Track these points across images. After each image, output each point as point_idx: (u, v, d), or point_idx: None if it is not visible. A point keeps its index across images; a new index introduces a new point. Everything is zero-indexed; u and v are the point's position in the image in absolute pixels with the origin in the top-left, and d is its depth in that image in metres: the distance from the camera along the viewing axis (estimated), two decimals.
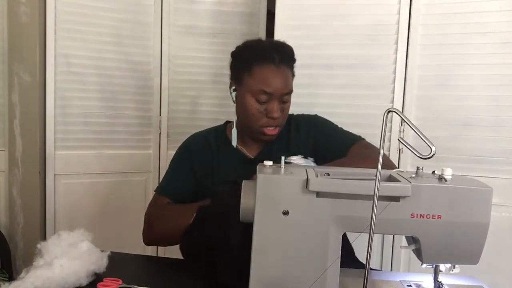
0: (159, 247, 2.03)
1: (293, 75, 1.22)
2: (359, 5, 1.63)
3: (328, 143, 1.23)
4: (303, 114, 1.33)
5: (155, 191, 1.29)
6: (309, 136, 1.26)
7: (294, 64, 1.22)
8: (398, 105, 1.62)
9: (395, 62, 1.61)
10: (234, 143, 1.23)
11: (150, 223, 1.23)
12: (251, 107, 1.16)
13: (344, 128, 1.66)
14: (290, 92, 1.18)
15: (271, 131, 1.18)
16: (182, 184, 1.25)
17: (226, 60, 1.94)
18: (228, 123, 1.34)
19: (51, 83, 1.78)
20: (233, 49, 1.92)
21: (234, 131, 1.23)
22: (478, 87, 1.56)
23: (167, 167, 1.94)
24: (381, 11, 1.62)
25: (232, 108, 1.95)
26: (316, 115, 1.32)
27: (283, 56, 1.17)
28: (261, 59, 1.15)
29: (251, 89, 1.15)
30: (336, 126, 1.31)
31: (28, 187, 1.81)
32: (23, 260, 1.84)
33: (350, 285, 0.87)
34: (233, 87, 1.22)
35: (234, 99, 1.23)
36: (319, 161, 1.12)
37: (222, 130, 1.32)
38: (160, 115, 1.98)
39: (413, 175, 0.83)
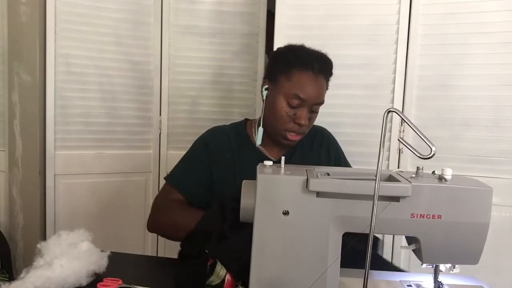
0: (159, 248, 2.03)
1: (327, 88, 1.23)
2: (359, 5, 1.63)
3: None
4: (325, 129, 1.37)
5: (165, 179, 1.28)
6: (329, 153, 1.31)
7: (330, 78, 1.23)
8: (398, 105, 1.62)
9: (395, 62, 1.61)
10: (259, 141, 1.23)
11: (158, 213, 1.22)
12: (281, 109, 1.16)
13: (344, 128, 1.69)
14: (321, 102, 1.20)
15: (294, 136, 1.19)
16: (196, 181, 1.24)
17: (226, 60, 1.96)
18: (247, 121, 1.34)
19: (51, 83, 1.77)
20: (234, 48, 1.95)
21: (260, 130, 1.22)
22: (478, 87, 1.56)
23: (167, 166, 1.98)
24: (381, 11, 1.61)
25: (232, 108, 1.97)
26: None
27: (323, 66, 1.19)
28: (302, 64, 1.16)
29: (286, 91, 1.16)
30: (345, 155, 1.38)
31: (28, 187, 1.81)
32: (23, 260, 1.84)
33: (350, 285, 0.87)
34: (266, 86, 1.22)
35: (264, 97, 1.22)
36: None
37: (242, 128, 1.31)
38: (160, 115, 1.98)
39: (413, 175, 0.83)
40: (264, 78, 1.24)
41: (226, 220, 0.95)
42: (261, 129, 1.23)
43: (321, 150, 1.31)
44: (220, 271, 0.89)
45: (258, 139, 1.23)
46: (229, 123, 1.36)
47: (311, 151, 1.30)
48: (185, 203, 1.22)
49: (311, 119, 1.21)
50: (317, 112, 1.22)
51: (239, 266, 0.88)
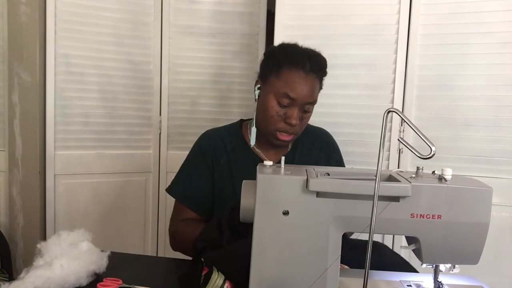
0: (159, 248, 2.03)
1: (320, 87, 1.20)
2: (359, 5, 1.63)
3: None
4: (328, 134, 1.35)
5: (167, 191, 1.29)
6: (329, 158, 1.30)
7: (324, 77, 1.20)
8: (398, 105, 1.62)
9: (395, 62, 1.61)
10: (253, 142, 1.20)
11: (175, 236, 1.24)
12: (271, 109, 1.14)
13: (344, 128, 1.68)
14: (313, 102, 1.17)
15: (285, 136, 1.16)
16: (200, 190, 1.24)
17: (226, 60, 1.96)
18: (243, 122, 1.32)
19: (51, 83, 1.77)
20: (234, 48, 1.95)
21: (253, 130, 1.20)
22: (478, 87, 1.56)
23: (167, 166, 1.98)
24: (381, 11, 1.62)
25: (232, 108, 1.98)
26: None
27: (315, 65, 1.15)
28: (292, 63, 1.13)
29: (275, 90, 1.13)
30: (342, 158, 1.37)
31: (28, 187, 1.81)
32: (23, 260, 1.84)
33: (350, 285, 0.87)
34: (258, 85, 1.20)
35: (257, 97, 1.20)
36: None
37: (237, 130, 1.29)
38: (160, 115, 1.98)
39: (413, 175, 0.83)
40: (258, 77, 1.23)
41: (223, 233, 0.95)
42: (254, 129, 1.20)
43: (320, 154, 1.29)
44: (217, 280, 0.88)
45: (252, 140, 1.20)
46: (223, 124, 1.35)
47: (310, 154, 1.28)
48: (195, 220, 1.23)
49: (304, 119, 1.17)
50: (310, 112, 1.18)
51: (242, 275, 0.87)
